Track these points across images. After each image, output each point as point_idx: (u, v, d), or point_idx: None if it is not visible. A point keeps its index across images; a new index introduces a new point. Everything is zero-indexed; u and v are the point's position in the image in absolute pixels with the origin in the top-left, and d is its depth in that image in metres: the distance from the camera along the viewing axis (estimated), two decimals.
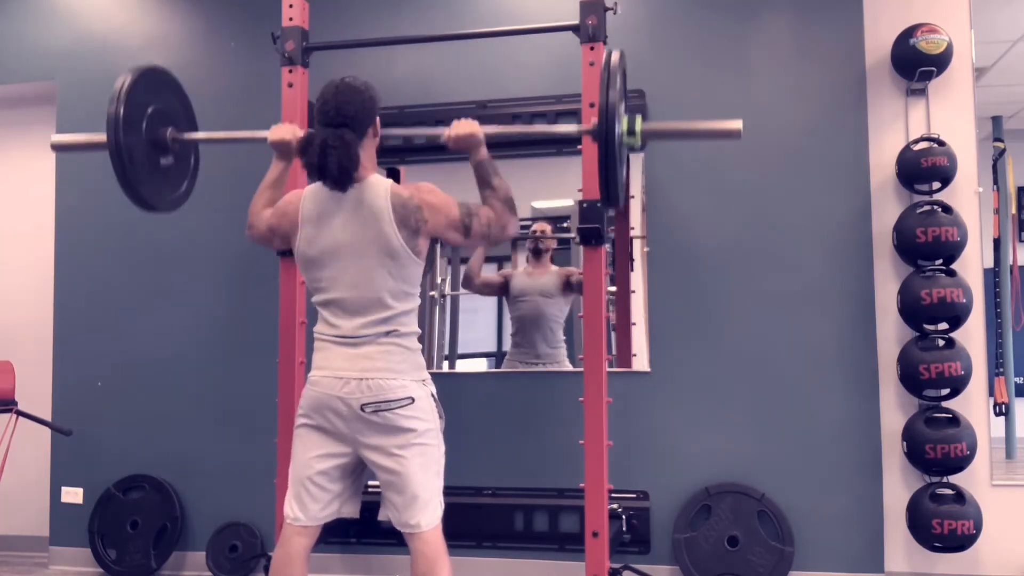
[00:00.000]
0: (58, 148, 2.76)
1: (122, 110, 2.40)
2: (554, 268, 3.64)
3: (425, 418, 2.18)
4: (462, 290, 3.78)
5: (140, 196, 2.52)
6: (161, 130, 2.59)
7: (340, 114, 2.13)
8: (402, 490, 2.14)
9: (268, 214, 2.33)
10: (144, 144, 2.52)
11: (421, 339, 2.27)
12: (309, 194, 2.22)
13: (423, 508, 2.15)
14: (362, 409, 2.11)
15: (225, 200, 3.79)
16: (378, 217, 2.14)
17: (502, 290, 3.67)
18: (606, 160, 2.21)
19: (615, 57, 2.25)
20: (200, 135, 2.73)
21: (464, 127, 2.28)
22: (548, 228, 3.64)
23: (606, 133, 2.19)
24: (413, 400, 2.15)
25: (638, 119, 2.31)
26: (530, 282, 3.63)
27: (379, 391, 2.12)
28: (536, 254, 3.63)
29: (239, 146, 3.78)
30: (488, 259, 3.70)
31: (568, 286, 3.58)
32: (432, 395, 2.23)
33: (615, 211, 3.47)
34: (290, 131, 2.38)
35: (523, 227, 3.64)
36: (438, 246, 3.59)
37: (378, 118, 2.25)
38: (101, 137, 2.43)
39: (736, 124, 2.31)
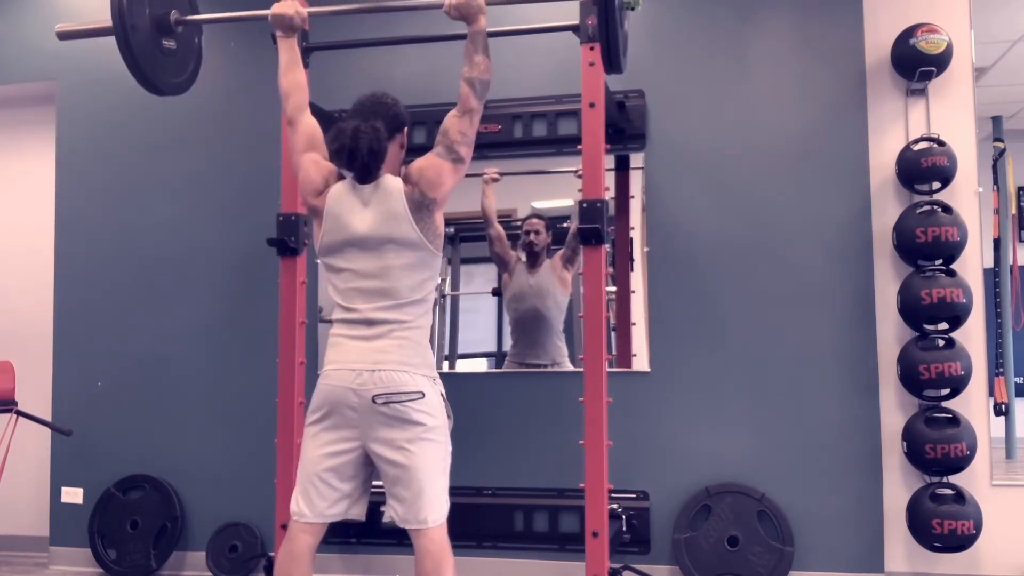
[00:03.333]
0: (64, 36, 2.73)
1: None
2: (547, 262, 3.62)
3: (434, 414, 2.19)
4: (462, 290, 3.77)
5: (147, 79, 2.55)
6: (164, 12, 2.60)
7: (374, 112, 2.23)
8: (409, 484, 2.14)
9: (307, 145, 2.32)
10: (148, 27, 2.54)
11: None
12: (334, 192, 2.25)
13: (430, 504, 2.15)
14: (374, 400, 2.13)
15: (225, 200, 3.81)
16: (395, 212, 2.18)
17: (503, 265, 3.63)
18: (607, 21, 2.20)
19: None
20: (203, 16, 2.74)
21: None
22: (542, 225, 3.63)
23: None
24: (423, 395, 2.16)
25: None
26: (528, 284, 3.62)
27: (391, 383, 2.13)
28: (531, 257, 3.61)
29: (241, 147, 3.80)
30: (487, 261, 3.68)
31: (564, 271, 3.54)
32: (441, 394, 2.25)
33: (615, 210, 3.47)
34: (291, 6, 2.42)
35: (516, 225, 3.63)
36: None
37: (407, 130, 2.33)
38: (106, 22, 2.45)
39: None
